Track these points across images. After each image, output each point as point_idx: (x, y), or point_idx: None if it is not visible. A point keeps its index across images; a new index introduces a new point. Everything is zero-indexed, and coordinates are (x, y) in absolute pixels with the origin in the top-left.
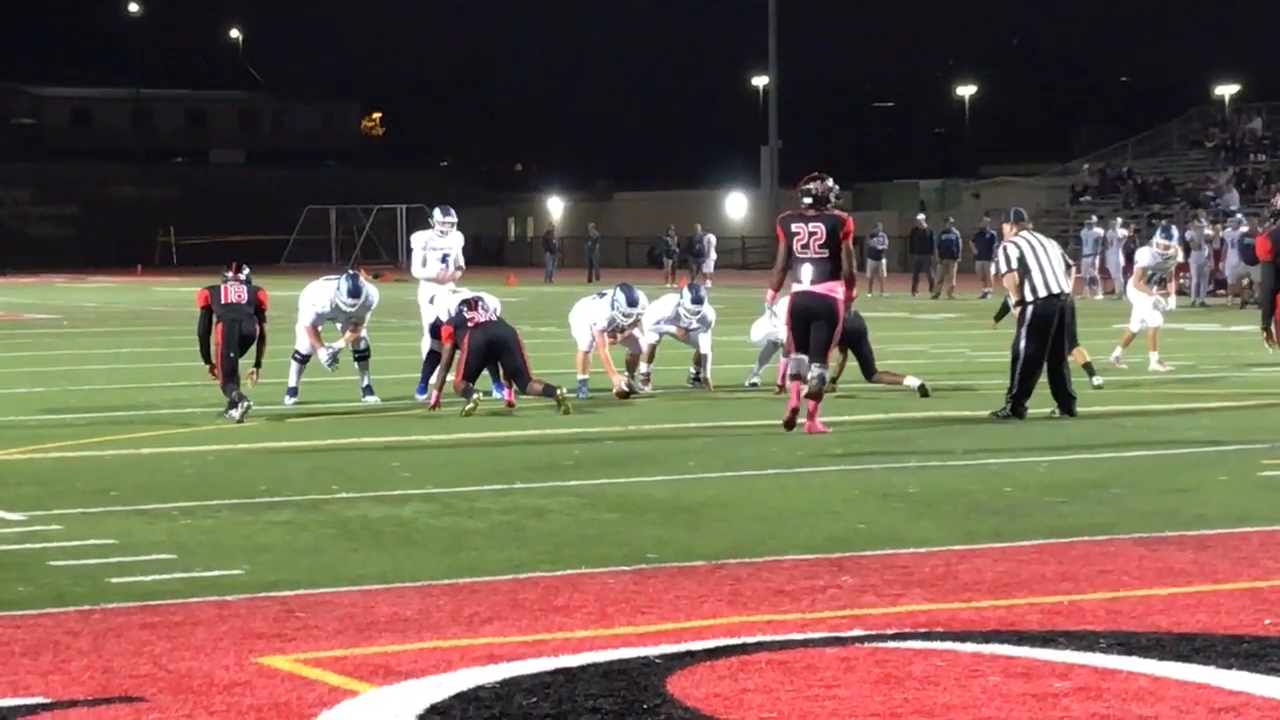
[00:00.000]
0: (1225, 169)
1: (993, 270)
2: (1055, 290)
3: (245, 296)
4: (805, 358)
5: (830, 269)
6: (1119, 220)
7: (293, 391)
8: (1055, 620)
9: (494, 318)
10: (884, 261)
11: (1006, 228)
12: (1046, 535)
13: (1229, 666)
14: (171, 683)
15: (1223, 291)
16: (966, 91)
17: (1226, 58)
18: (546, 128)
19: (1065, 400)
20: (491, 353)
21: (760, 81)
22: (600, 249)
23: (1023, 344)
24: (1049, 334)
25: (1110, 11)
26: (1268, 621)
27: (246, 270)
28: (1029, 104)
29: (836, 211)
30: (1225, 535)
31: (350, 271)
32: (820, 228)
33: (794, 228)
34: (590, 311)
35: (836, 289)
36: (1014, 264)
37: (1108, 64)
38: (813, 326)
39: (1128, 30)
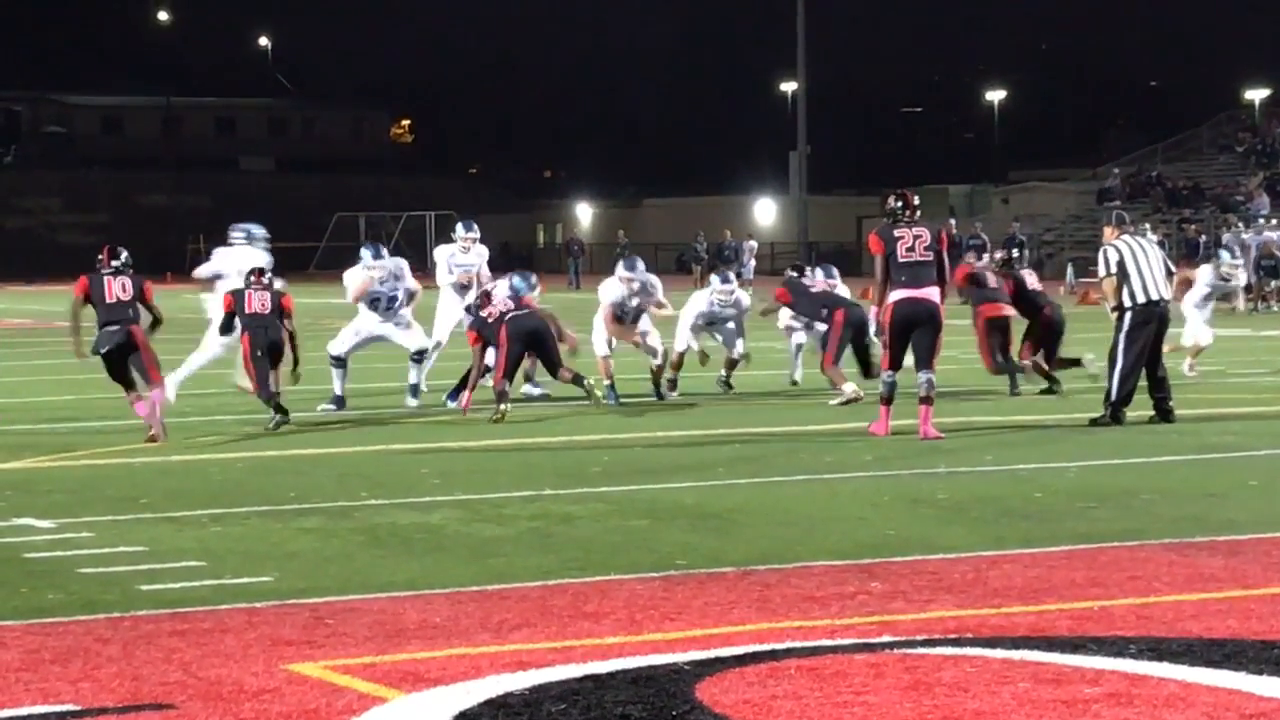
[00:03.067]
0: (1256, 173)
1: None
2: (1154, 297)
3: (269, 304)
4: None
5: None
6: (1148, 226)
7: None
8: (1085, 626)
9: (523, 308)
10: None
11: (1108, 230)
12: (1076, 541)
13: (1260, 672)
14: (201, 690)
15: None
16: (995, 96)
17: (1256, 61)
18: (575, 135)
19: (1163, 406)
20: (531, 343)
21: (789, 87)
22: (629, 256)
23: (1120, 350)
24: (1146, 340)
25: (1139, 15)
26: None
27: (269, 276)
28: (1058, 109)
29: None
30: (1256, 540)
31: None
32: (925, 233)
33: (897, 233)
34: (603, 300)
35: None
36: (1113, 268)
37: (1137, 68)
38: (918, 333)
39: (1156, 34)
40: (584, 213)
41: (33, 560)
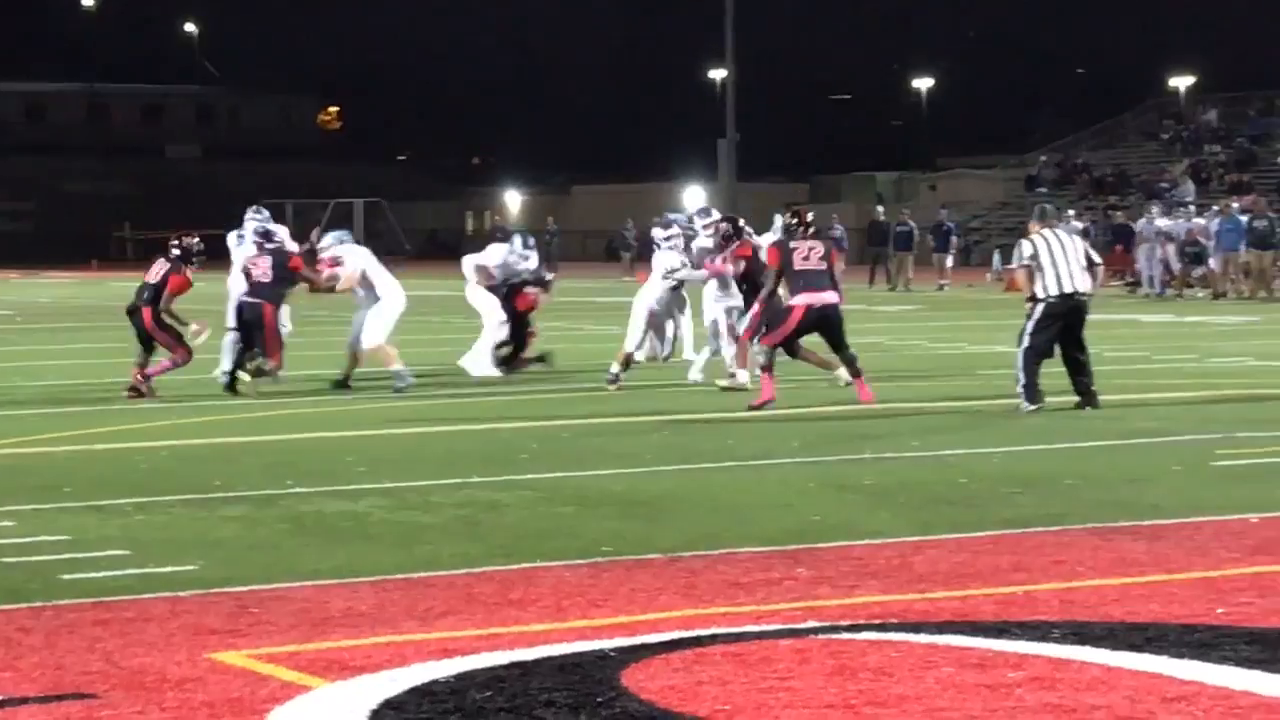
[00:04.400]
0: (1181, 160)
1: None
2: (1068, 290)
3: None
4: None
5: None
6: (1071, 213)
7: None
8: (1009, 611)
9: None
10: (841, 254)
11: (1031, 225)
12: (1001, 526)
13: (1181, 656)
14: (124, 679)
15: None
16: (923, 84)
17: (1182, 50)
18: (504, 121)
19: (1085, 389)
20: None
21: (718, 74)
22: (558, 242)
23: (1026, 337)
24: (1055, 330)
25: (1066, 3)
26: (1220, 611)
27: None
28: (985, 96)
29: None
30: (1179, 525)
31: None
32: (819, 245)
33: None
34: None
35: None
36: (1025, 259)
37: (1064, 56)
38: (825, 330)
39: (1084, 22)
40: (513, 199)
41: None
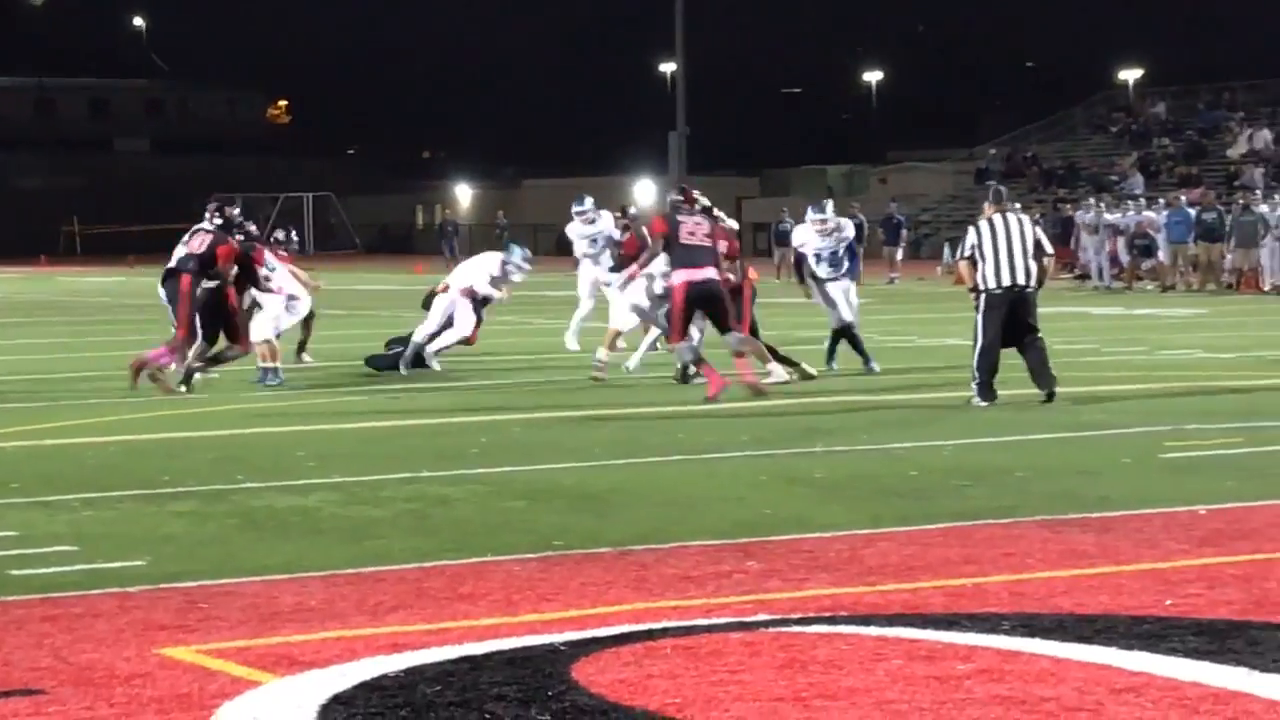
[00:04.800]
0: (1129, 153)
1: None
2: (1007, 282)
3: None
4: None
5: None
6: (1018, 205)
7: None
8: (959, 603)
9: None
10: (792, 248)
11: (985, 207)
12: (951, 519)
13: (1130, 647)
14: (72, 675)
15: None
16: (873, 77)
17: (1130, 42)
18: (454, 115)
19: (1044, 382)
20: None
21: (668, 68)
22: (509, 236)
23: (978, 330)
24: (999, 321)
25: None
26: (1169, 602)
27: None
28: (935, 90)
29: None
30: (1128, 517)
31: None
32: (704, 223)
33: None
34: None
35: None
36: (968, 251)
37: (1013, 49)
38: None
39: (1033, 16)
40: (463, 193)
41: None
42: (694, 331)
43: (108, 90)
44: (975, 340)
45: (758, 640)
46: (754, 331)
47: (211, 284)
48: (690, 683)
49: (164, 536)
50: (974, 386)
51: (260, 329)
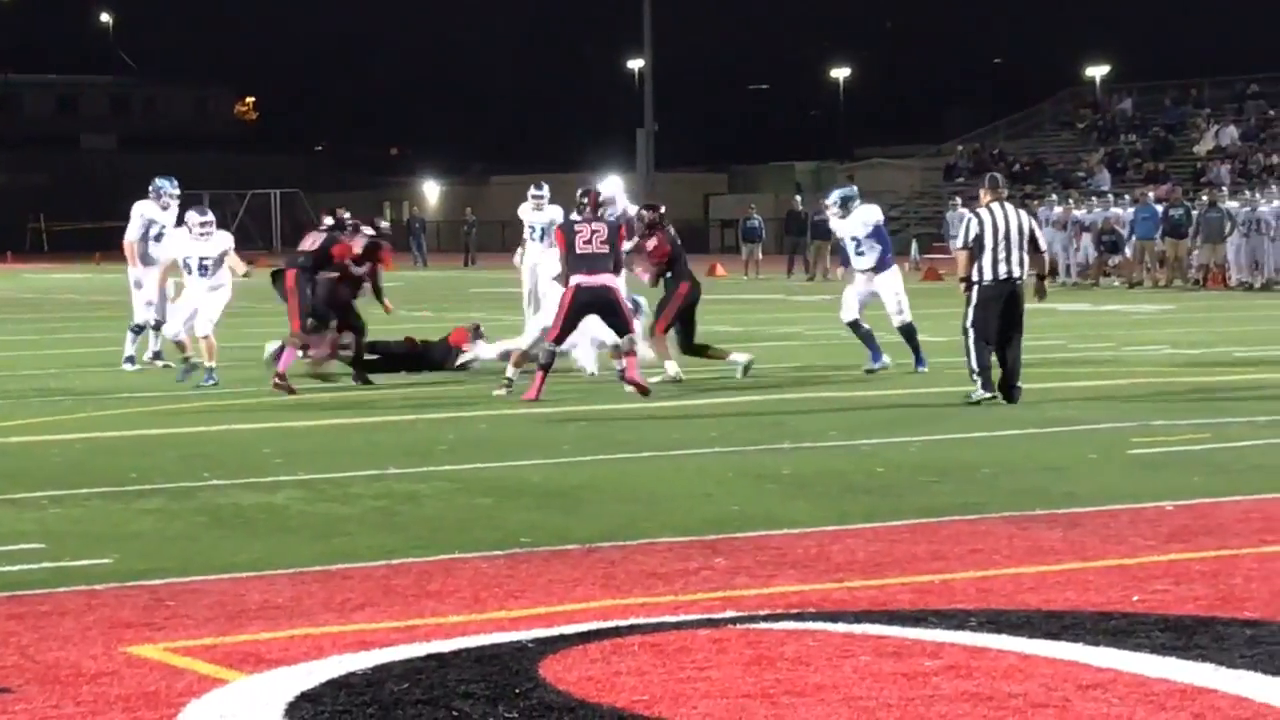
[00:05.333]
0: (1096, 150)
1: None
2: (1002, 275)
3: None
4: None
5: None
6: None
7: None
8: (926, 599)
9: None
10: (759, 244)
11: (982, 193)
12: (918, 515)
13: (1097, 644)
14: (38, 673)
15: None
16: (841, 74)
17: (1097, 39)
18: (421, 112)
19: (1008, 384)
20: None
21: (636, 64)
22: (477, 233)
23: (968, 322)
24: (993, 312)
25: None
26: (1136, 598)
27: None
28: (903, 86)
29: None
30: (1094, 513)
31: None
32: (603, 228)
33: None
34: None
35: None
36: (969, 241)
37: (980, 46)
38: (600, 313)
39: (1000, 12)
40: (431, 190)
41: None
42: (579, 341)
43: (74, 87)
44: (967, 334)
45: (725, 637)
46: (689, 331)
47: (332, 274)
48: (658, 680)
49: (131, 534)
50: (974, 380)
51: (202, 325)
